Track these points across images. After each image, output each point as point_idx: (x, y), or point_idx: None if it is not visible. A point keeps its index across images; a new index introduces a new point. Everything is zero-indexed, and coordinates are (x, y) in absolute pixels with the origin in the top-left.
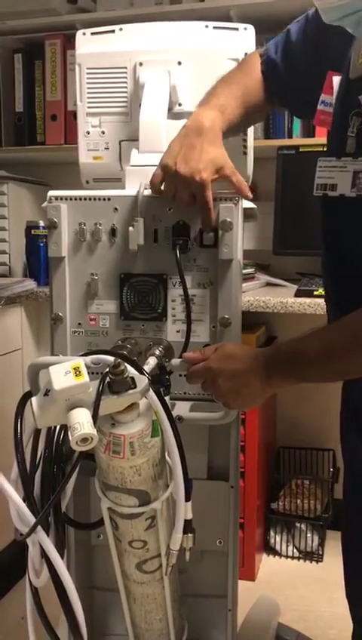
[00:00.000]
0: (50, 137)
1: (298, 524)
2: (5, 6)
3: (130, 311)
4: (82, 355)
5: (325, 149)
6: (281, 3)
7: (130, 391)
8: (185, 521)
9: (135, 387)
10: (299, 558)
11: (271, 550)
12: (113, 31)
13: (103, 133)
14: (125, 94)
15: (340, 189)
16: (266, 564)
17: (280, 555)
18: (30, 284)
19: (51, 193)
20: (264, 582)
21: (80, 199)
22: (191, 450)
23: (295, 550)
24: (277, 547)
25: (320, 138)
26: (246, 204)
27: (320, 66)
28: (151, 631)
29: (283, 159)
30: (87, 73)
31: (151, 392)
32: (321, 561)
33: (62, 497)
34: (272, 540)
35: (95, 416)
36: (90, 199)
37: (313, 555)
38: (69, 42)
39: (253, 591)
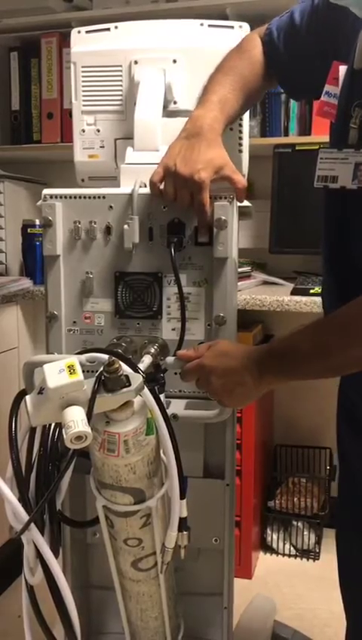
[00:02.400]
0: (47, 136)
1: (295, 522)
2: (1, 4)
3: (125, 309)
4: (77, 354)
5: (321, 147)
6: (277, 1)
7: (125, 389)
8: (180, 518)
9: (129, 385)
10: (295, 556)
11: (268, 548)
12: (108, 29)
13: (98, 131)
14: (120, 92)
15: (341, 181)
16: (263, 562)
17: (276, 553)
18: (26, 283)
19: (46, 191)
20: (261, 580)
21: (75, 197)
22: (187, 449)
23: (292, 548)
24: (274, 545)
25: (317, 136)
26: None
27: (325, 54)
28: (147, 629)
29: (280, 157)
30: (83, 71)
31: (146, 390)
32: (318, 559)
33: (57, 495)
34: (269, 538)
35: (90, 415)
36: (85, 197)
37: (310, 553)
38: (65, 40)
39: (250, 589)
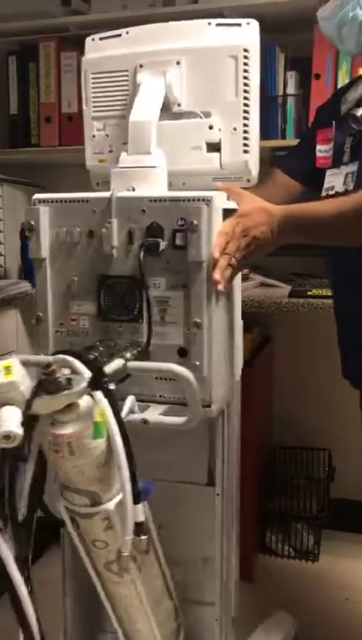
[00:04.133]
0: (45, 139)
1: (294, 524)
2: None
3: (108, 312)
4: (54, 354)
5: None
6: (275, 4)
7: (65, 392)
8: (137, 523)
9: (70, 388)
10: (295, 558)
11: (268, 550)
12: (120, 35)
13: (107, 136)
14: (127, 97)
15: (336, 189)
16: (263, 563)
17: (276, 554)
18: (25, 286)
19: (36, 196)
20: (260, 581)
21: (61, 202)
22: (191, 455)
23: (291, 550)
24: (274, 547)
25: None
26: (236, 205)
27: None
28: (138, 632)
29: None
30: (92, 78)
31: (99, 393)
32: (317, 561)
33: (17, 497)
34: (268, 540)
35: (26, 415)
36: (70, 201)
37: (309, 555)
38: (63, 44)
39: (250, 590)
